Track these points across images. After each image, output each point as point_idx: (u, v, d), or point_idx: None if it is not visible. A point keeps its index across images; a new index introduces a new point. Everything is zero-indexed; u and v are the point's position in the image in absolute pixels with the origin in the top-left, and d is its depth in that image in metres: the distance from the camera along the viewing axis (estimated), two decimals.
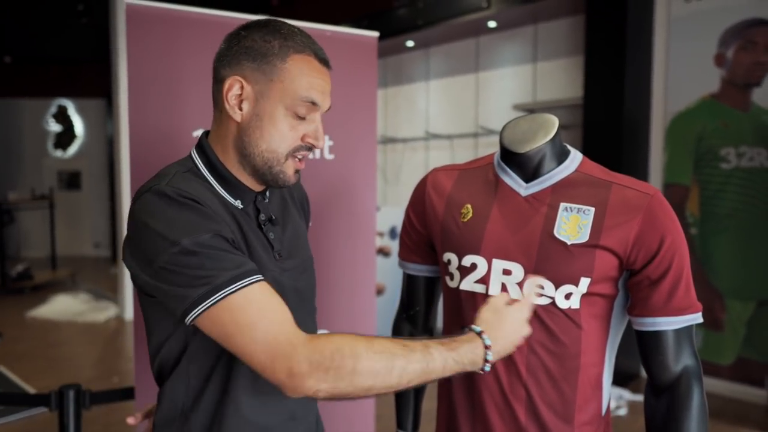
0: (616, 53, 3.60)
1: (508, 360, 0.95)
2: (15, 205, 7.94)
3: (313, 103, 0.90)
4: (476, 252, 0.98)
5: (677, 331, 0.93)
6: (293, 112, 0.89)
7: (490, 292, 0.96)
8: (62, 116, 9.54)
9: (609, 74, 3.65)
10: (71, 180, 9.63)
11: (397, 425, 1.20)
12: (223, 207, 0.90)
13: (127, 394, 1.86)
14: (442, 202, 1.06)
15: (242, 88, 0.89)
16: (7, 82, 8.95)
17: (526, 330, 0.89)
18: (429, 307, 1.18)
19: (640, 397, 3.26)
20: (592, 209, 0.93)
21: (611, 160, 3.49)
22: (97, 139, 9.55)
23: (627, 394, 3.37)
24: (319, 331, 0.98)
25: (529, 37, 4.64)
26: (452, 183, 1.07)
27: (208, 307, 0.77)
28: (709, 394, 3.57)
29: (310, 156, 0.94)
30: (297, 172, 0.93)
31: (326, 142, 1.71)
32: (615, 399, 3.29)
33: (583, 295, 0.93)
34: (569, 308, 0.93)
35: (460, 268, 1.00)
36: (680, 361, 0.93)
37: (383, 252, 4.30)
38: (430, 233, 1.09)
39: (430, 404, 1.16)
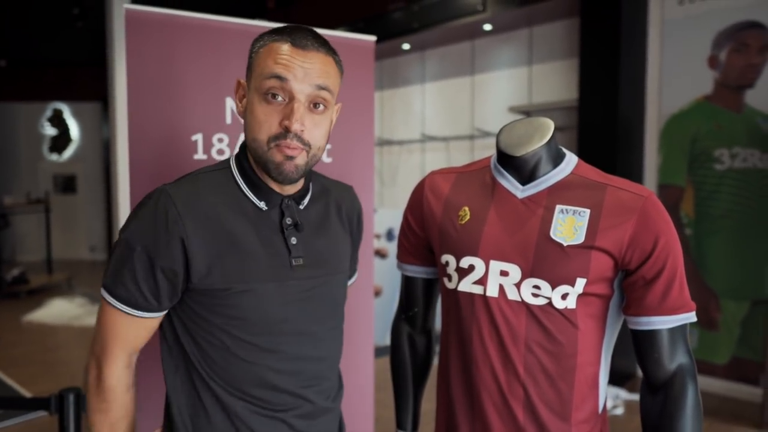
0: (610, 56, 3.62)
1: (506, 359, 0.97)
2: (10, 209, 7.90)
3: (279, 77, 0.87)
4: (474, 254, 0.99)
5: (671, 330, 0.94)
6: (263, 95, 0.88)
7: (487, 293, 0.98)
8: (58, 120, 9.50)
9: (604, 76, 3.67)
10: (67, 184, 9.59)
11: (396, 425, 1.21)
12: (236, 208, 0.93)
13: None
14: (440, 205, 1.07)
15: (240, 86, 0.96)
16: (2, 86, 8.92)
17: None
18: (427, 308, 1.20)
19: (636, 397, 3.28)
20: (588, 211, 0.94)
21: (606, 162, 3.52)
22: (92, 142, 9.52)
23: (624, 394, 3.39)
24: None
25: (524, 39, 4.66)
26: (450, 186, 1.09)
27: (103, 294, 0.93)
28: (705, 393, 3.58)
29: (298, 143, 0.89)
30: (289, 159, 0.89)
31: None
32: (612, 398, 3.31)
33: (579, 296, 0.95)
34: (566, 308, 0.95)
35: (458, 269, 1.02)
36: (675, 359, 0.95)
37: (380, 254, 4.32)
38: (429, 236, 1.10)
39: (429, 405, 1.17)
